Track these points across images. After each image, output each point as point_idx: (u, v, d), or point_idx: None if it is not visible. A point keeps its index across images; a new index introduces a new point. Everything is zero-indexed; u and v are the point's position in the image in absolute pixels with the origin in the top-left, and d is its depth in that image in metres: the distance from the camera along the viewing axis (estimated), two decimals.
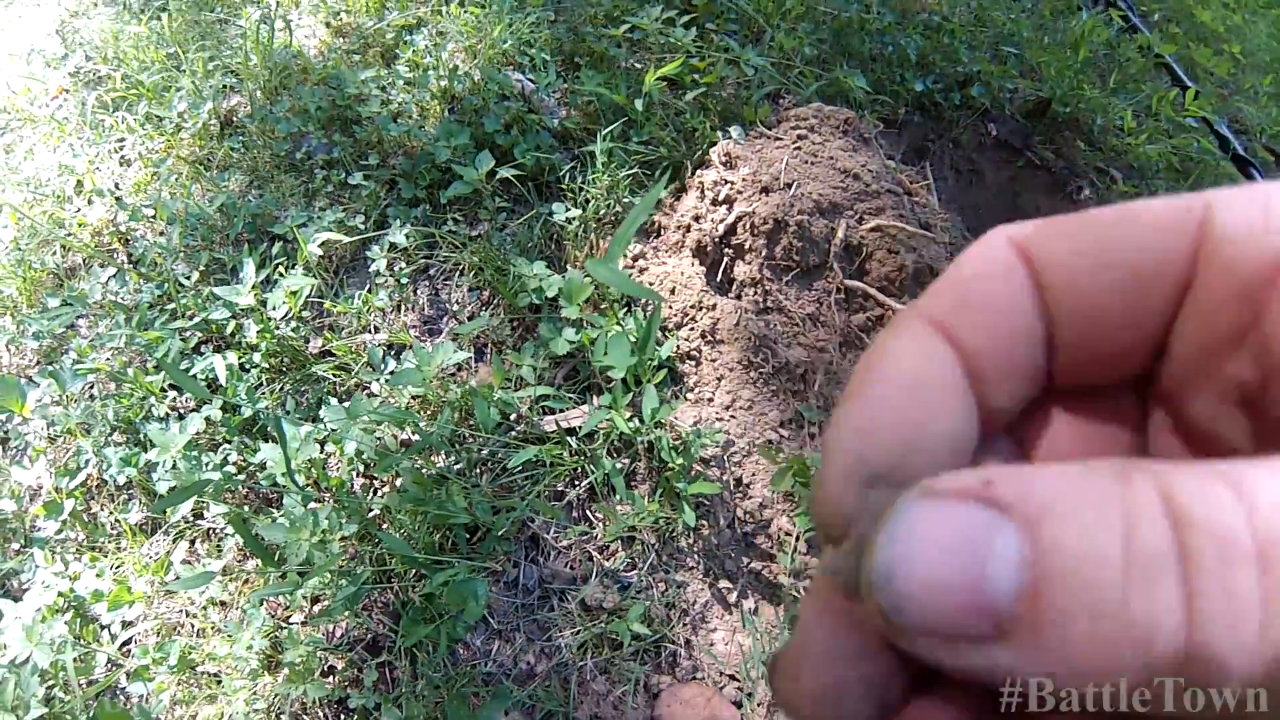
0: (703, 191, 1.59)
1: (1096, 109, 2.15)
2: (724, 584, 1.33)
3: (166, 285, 1.69)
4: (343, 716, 1.37)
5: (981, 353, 0.18)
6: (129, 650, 1.47)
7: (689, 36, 1.89)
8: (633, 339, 1.19)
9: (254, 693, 1.37)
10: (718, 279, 1.54)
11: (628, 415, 1.29)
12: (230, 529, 1.52)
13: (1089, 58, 2.24)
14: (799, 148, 1.61)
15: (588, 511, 1.38)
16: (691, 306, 1.48)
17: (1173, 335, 0.18)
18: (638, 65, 1.91)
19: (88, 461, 1.60)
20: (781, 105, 1.86)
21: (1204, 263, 0.17)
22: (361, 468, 1.48)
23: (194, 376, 1.42)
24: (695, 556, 1.35)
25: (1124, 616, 0.13)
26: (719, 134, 1.71)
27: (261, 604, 1.43)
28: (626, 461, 1.37)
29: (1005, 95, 2.13)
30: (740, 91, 1.85)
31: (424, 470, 1.28)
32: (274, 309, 1.50)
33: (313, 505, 1.40)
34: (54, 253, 1.88)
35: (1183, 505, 0.13)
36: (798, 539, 1.31)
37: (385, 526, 1.39)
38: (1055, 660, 0.14)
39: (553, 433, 1.35)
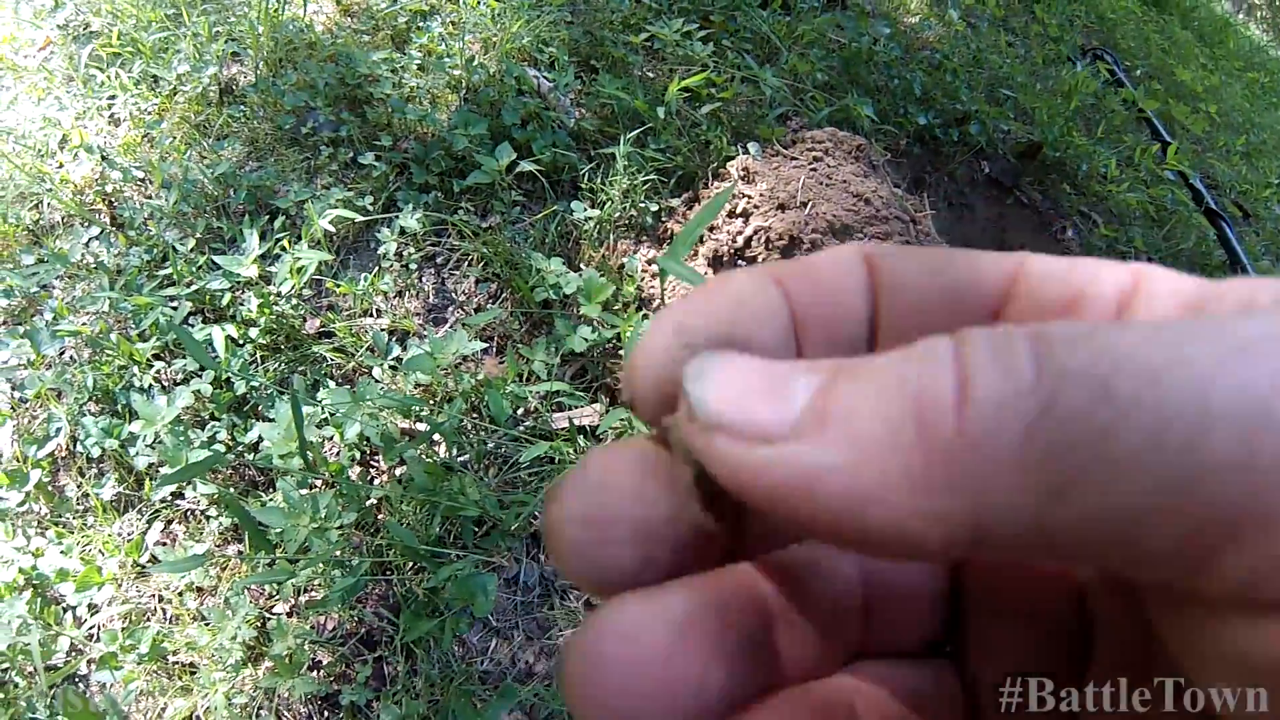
0: None
1: (1083, 155, 2.26)
2: None
3: (157, 250, 1.62)
4: (327, 713, 1.32)
5: (808, 308, 0.19)
6: (95, 635, 1.40)
7: (706, 51, 1.92)
8: None
9: (233, 686, 1.31)
10: None
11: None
12: (213, 511, 1.46)
13: (1078, 107, 2.35)
14: (814, 169, 1.64)
15: None
16: None
17: None
18: (651, 75, 1.93)
19: (59, 430, 1.52)
20: (791, 126, 1.90)
21: (1014, 294, 0.19)
22: (359, 454, 1.44)
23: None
24: None
25: (901, 385, 0.14)
26: (734, 148, 1.73)
27: (245, 591, 1.38)
28: None
29: (999, 135, 2.22)
30: (754, 109, 1.88)
31: (434, 460, 1.26)
32: (280, 283, 1.46)
33: (310, 490, 1.36)
34: (32, 207, 1.78)
35: (963, 332, 0.15)
36: None
37: (382, 516, 1.36)
38: (838, 440, 0.14)
39: (562, 430, 1.34)
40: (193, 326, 1.54)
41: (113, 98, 1.91)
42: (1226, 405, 0.12)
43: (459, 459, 1.35)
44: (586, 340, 1.36)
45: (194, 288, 1.53)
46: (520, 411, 1.40)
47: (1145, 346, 0.13)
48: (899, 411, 0.14)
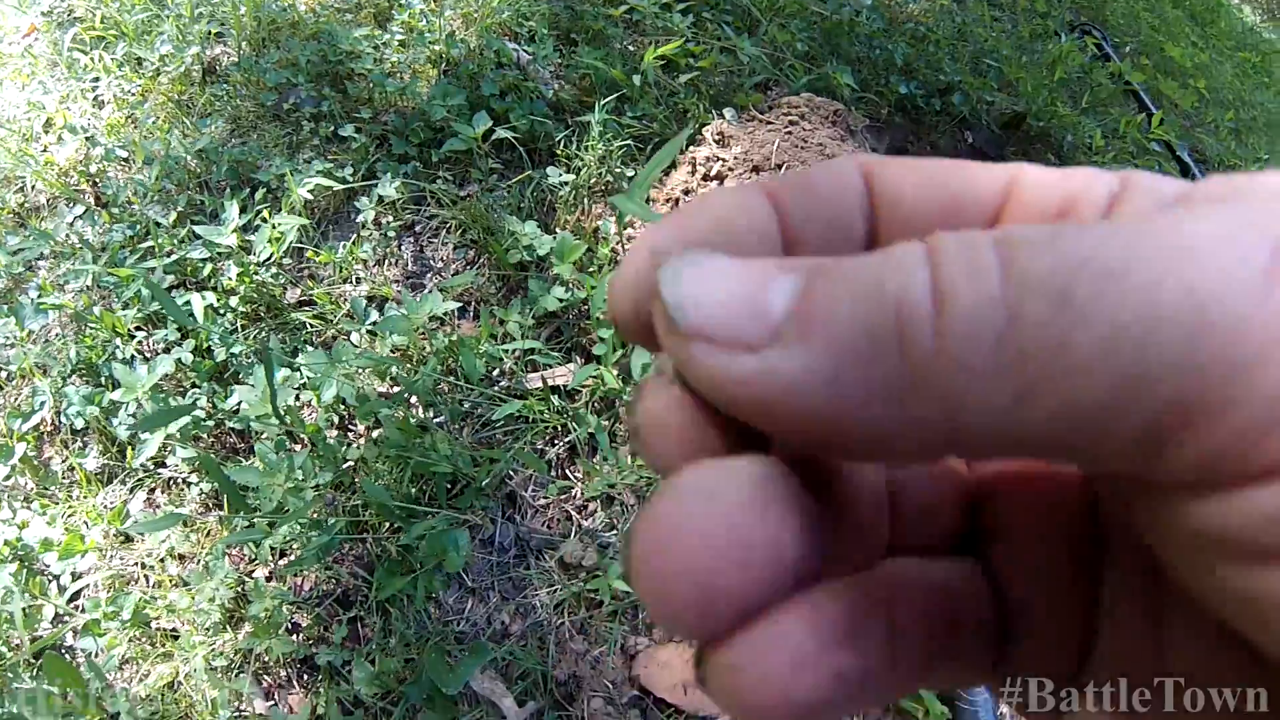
0: (694, 167, 1.61)
1: (1068, 126, 2.25)
2: None
3: (139, 225, 1.63)
4: (305, 675, 1.33)
5: (800, 223, 0.19)
6: (79, 604, 1.40)
7: (686, 22, 1.93)
8: None
9: (213, 649, 1.32)
10: None
11: (615, 374, 1.29)
12: (194, 478, 1.47)
13: (1063, 78, 2.34)
14: (790, 132, 1.65)
15: (567, 471, 1.37)
16: None
17: None
18: (631, 47, 1.94)
19: (43, 404, 1.53)
20: (771, 95, 1.90)
21: (1011, 200, 0.20)
22: (337, 418, 1.45)
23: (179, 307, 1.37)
24: None
25: (880, 293, 0.14)
26: (710, 116, 1.74)
27: (224, 555, 1.39)
28: (608, 421, 1.37)
29: (983, 106, 2.21)
30: (732, 78, 1.89)
31: (409, 418, 1.26)
32: (258, 252, 1.47)
33: (288, 451, 1.37)
34: (17, 190, 1.80)
35: (935, 238, 0.15)
36: None
37: (359, 479, 1.36)
38: (821, 349, 0.14)
39: (536, 389, 1.35)
40: (174, 297, 1.55)
41: (96, 80, 1.93)
42: (1173, 308, 0.13)
43: (434, 420, 1.36)
44: (560, 300, 1.36)
45: (174, 257, 1.54)
46: (495, 372, 1.40)
47: (1102, 249, 0.13)
48: (879, 320, 0.14)
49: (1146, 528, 0.16)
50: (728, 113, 1.69)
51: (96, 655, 1.35)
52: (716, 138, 1.62)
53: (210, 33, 1.96)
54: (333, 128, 1.72)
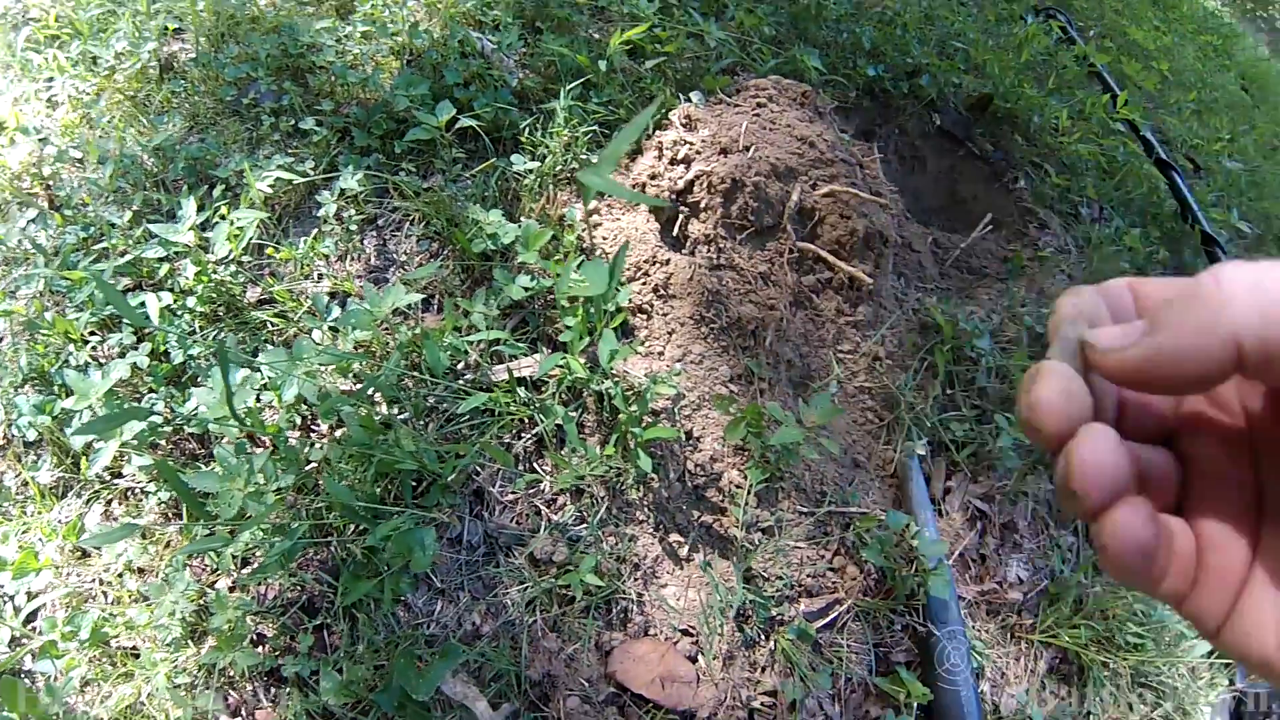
0: (660, 151, 1.58)
1: (1034, 107, 2.25)
2: (675, 538, 1.31)
3: (94, 227, 1.58)
4: (273, 688, 1.28)
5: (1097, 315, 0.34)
6: (35, 625, 1.35)
7: (652, 8, 1.90)
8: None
9: (175, 665, 1.27)
10: (673, 235, 1.53)
11: (582, 362, 1.26)
12: (152, 487, 1.42)
13: (1030, 61, 2.34)
14: (758, 115, 1.62)
15: (535, 464, 1.34)
16: (645, 261, 1.47)
17: None
18: (596, 35, 1.91)
19: None
20: (738, 79, 1.88)
21: None
22: (299, 419, 1.40)
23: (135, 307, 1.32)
24: (645, 510, 1.32)
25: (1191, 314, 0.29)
26: (677, 100, 1.71)
27: (185, 566, 1.34)
28: (576, 412, 1.33)
29: (950, 88, 2.21)
30: (699, 63, 1.86)
31: (371, 414, 1.22)
32: (215, 249, 1.42)
33: (248, 454, 1.32)
34: None
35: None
36: (749, 491, 1.30)
37: (322, 479, 1.32)
38: (1163, 339, 0.29)
39: (502, 381, 1.31)
40: (129, 299, 1.50)
41: (50, 80, 1.88)
42: None
43: (399, 416, 1.32)
44: (526, 289, 1.33)
45: (128, 258, 1.49)
46: (460, 365, 1.36)
47: None
48: (1195, 320, 0.26)
49: None
50: (694, 96, 1.67)
51: (55, 678, 1.30)
52: (684, 122, 1.59)
53: (168, 29, 1.91)
54: (294, 121, 1.68)
